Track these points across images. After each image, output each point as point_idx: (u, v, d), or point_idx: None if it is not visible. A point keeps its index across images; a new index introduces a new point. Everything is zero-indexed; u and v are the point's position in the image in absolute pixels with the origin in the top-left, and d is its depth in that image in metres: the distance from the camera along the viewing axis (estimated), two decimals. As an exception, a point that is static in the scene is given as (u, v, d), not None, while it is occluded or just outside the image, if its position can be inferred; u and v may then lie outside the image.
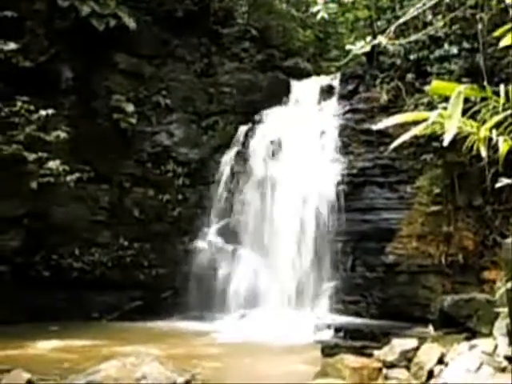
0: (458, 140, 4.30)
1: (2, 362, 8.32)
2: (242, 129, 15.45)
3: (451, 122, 4.12)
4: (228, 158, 15.22)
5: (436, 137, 12.07)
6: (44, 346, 10.53)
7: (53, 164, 12.74)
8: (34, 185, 12.76)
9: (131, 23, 14.68)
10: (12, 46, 13.15)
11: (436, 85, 4.42)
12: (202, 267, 14.27)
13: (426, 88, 12.26)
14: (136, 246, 14.61)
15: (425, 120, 4.54)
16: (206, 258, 14.36)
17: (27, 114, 12.93)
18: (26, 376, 7.16)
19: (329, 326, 12.00)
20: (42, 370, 7.99)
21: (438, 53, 12.92)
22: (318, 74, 17.22)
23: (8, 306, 12.97)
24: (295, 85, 16.11)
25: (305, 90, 15.89)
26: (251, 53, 16.88)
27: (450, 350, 6.82)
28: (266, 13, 18.10)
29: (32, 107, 12.90)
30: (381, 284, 13.18)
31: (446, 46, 12.86)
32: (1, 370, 7.78)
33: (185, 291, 14.20)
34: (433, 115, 4.30)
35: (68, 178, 12.97)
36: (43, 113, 12.88)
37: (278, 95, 15.82)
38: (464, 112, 4.20)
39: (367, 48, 6.69)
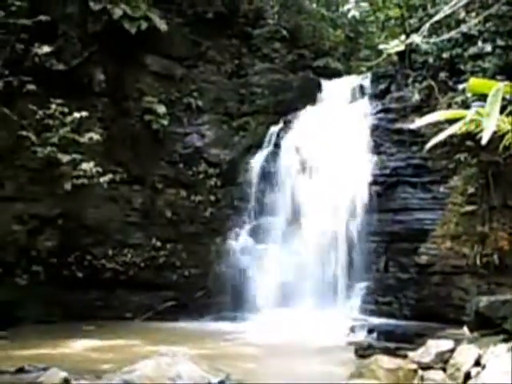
0: (493, 139, 4.24)
1: (38, 361, 8.42)
2: (274, 129, 15.45)
3: (490, 120, 4.06)
4: (259, 159, 15.23)
5: (470, 136, 11.96)
6: (79, 346, 10.64)
7: (86, 166, 12.87)
8: (67, 186, 12.92)
9: (162, 25, 14.77)
10: (46, 49, 13.35)
11: (473, 82, 4.36)
12: (234, 267, 14.30)
13: (460, 86, 12.13)
14: (168, 246, 14.70)
15: (461, 118, 4.48)
16: (237, 259, 14.39)
17: (61, 116, 13.09)
18: (63, 374, 7.23)
19: (362, 327, 11.92)
20: (78, 368, 8.08)
21: (471, 50, 12.76)
22: (349, 74, 17.16)
23: (43, 305, 13.19)
24: (326, 85, 16.07)
25: (336, 89, 15.83)
26: (282, 53, 16.88)
27: (487, 351, 6.72)
28: (296, 13, 18.09)
29: (66, 109, 13.07)
30: (414, 285, 13.05)
31: (479, 43, 12.69)
32: (37, 368, 7.90)
33: (217, 291, 14.26)
34: (470, 113, 4.25)
35: (101, 180, 13.09)
36: (77, 115, 13.03)
37: (309, 95, 15.79)
38: (499, 110, 4.14)
39: (401, 47, 6.65)
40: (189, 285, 14.58)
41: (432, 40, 11.17)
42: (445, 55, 13.46)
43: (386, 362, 6.43)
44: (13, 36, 13.20)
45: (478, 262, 12.09)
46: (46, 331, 11.99)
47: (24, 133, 12.87)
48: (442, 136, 4.60)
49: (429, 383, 6.43)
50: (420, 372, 6.52)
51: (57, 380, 7.14)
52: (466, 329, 10.15)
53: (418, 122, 4.55)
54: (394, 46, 6.70)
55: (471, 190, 12.43)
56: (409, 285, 13.12)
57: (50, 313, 13.25)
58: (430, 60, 13.92)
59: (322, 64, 17.44)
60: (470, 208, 12.35)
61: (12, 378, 7.62)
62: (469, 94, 11.27)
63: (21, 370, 7.93)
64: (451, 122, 4.60)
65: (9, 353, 9.78)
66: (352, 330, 11.84)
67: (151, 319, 13.91)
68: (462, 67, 13.04)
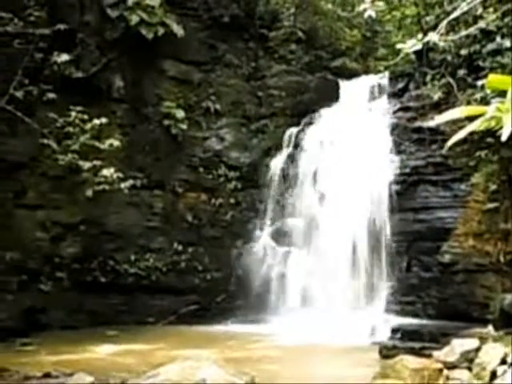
0: (514, 135, 4.19)
1: (64, 366, 8.52)
2: (292, 131, 15.43)
3: (509, 116, 4.03)
4: (279, 161, 15.22)
5: (490, 132, 11.86)
6: (103, 350, 10.72)
7: (107, 172, 12.95)
8: (89, 193, 13.02)
9: (179, 31, 14.84)
10: (65, 57, 13.49)
11: (492, 78, 4.33)
12: (256, 270, 14.30)
13: (479, 83, 12.02)
14: (190, 250, 14.76)
15: (480, 115, 4.45)
16: (259, 261, 14.39)
17: (81, 123, 13.21)
18: (89, 379, 7.29)
19: (385, 328, 11.86)
20: (103, 373, 8.15)
21: (490, 47, 12.63)
22: (367, 74, 17.08)
23: (67, 311, 13.34)
24: (344, 85, 16.01)
25: (354, 89, 15.78)
26: (298, 54, 16.86)
27: (513, 350, 6.66)
28: (311, 14, 18.05)
29: (86, 117, 13.18)
30: (437, 284, 12.95)
31: (498, 39, 12.56)
32: (64, 373, 7.98)
33: (239, 294, 14.28)
34: (491, 109, 4.21)
35: (122, 185, 13.17)
36: (97, 122, 13.13)
37: (327, 96, 15.75)
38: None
39: (419, 46, 6.61)
40: (211, 288, 14.62)
41: (450, 37, 11.06)
42: (463, 52, 13.36)
43: (411, 361, 6.40)
44: (31, 45, 13.35)
45: (502, 259, 11.97)
46: (70, 337, 12.10)
47: (45, 141, 13.02)
48: (462, 133, 4.57)
49: (454, 383, 6.38)
50: (445, 371, 6.48)
51: (83, 384, 7.21)
52: (490, 327, 10.06)
53: (438, 120, 4.54)
54: (412, 45, 6.65)
55: (493, 187, 12.31)
56: (432, 284, 13.03)
57: (74, 318, 13.38)
58: (448, 57, 13.83)
59: (339, 64, 17.39)
60: (492, 205, 12.23)
61: (39, 383, 7.70)
62: (488, 91, 11.16)
63: (47, 376, 8.02)
64: (471, 119, 4.56)
65: (35, 358, 9.88)
66: (376, 330, 11.79)
67: (174, 323, 13.97)
68: (480, 64, 12.92)
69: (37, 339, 11.61)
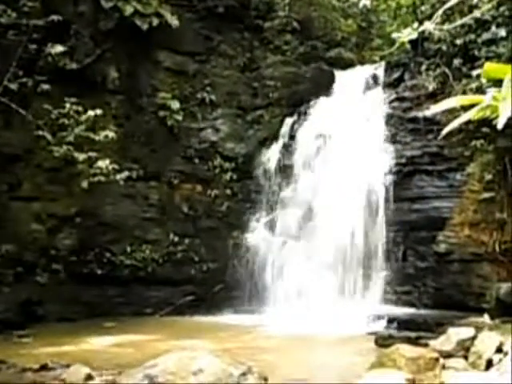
0: (509, 124, 4.20)
1: (61, 358, 8.52)
2: (288, 121, 15.43)
3: (505, 105, 4.03)
4: (275, 151, 15.23)
5: (486, 122, 11.87)
6: (100, 342, 10.72)
7: (102, 163, 12.91)
8: (84, 184, 12.98)
9: (174, 21, 14.76)
10: (59, 48, 13.40)
11: (488, 67, 4.33)
12: (252, 261, 14.33)
13: (474, 73, 12.02)
14: (186, 241, 14.77)
15: (476, 104, 4.45)
16: (255, 252, 14.41)
17: (76, 115, 13.14)
18: (86, 370, 7.30)
19: (381, 317, 11.91)
20: (100, 364, 8.16)
21: (485, 36, 12.64)
22: (362, 64, 17.06)
23: (64, 303, 13.32)
24: (339, 75, 15.99)
25: (349, 80, 15.76)
26: (294, 45, 16.80)
27: (509, 338, 6.69)
28: (306, 4, 17.97)
29: (80, 108, 13.12)
30: (433, 273, 13.01)
31: (493, 28, 12.57)
32: (60, 365, 7.99)
33: (235, 285, 14.31)
34: (487, 98, 4.21)
35: (118, 177, 13.13)
36: (91, 113, 13.07)
37: (323, 86, 15.73)
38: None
39: (414, 35, 6.59)
40: (207, 279, 14.65)
41: (445, 27, 11.06)
42: (458, 42, 13.36)
43: (407, 350, 6.42)
44: (25, 36, 13.25)
45: (498, 248, 12.02)
46: (67, 329, 12.11)
47: (40, 133, 12.95)
48: (457, 122, 4.58)
49: (450, 372, 6.41)
50: (441, 360, 6.51)
51: (80, 376, 7.22)
52: (486, 316, 10.13)
53: (434, 109, 4.53)
54: (407, 34, 6.63)
55: (488, 176, 12.34)
56: (428, 273, 13.09)
57: (71, 310, 13.36)
58: (444, 47, 13.81)
59: (335, 55, 17.35)
60: (487, 195, 12.26)
61: (35, 375, 7.71)
62: (484, 80, 11.17)
63: (44, 367, 8.03)
64: (467, 108, 4.56)
65: (31, 350, 9.89)
66: (372, 320, 11.83)
67: (171, 314, 14.00)
68: (476, 53, 12.92)
69: (33, 331, 11.61)
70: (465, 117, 4.51)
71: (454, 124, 4.62)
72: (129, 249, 14.29)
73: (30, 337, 11.20)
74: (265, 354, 9.23)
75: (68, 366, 7.78)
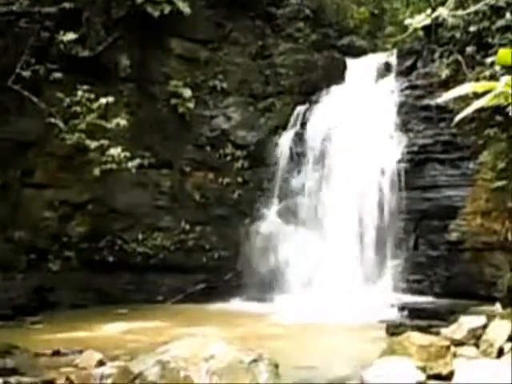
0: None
1: (73, 344, 8.60)
2: (300, 109, 15.37)
3: (519, 92, 3.99)
4: (286, 139, 15.18)
5: (499, 110, 11.79)
6: (112, 329, 10.80)
7: (114, 151, 12.94)
8: (96, 172, 13.02)
9: (185, 8, 14.71)
10: (71, 36, 13.44)
11: (502, 53, 4.28)
12: (263, 249, 14.33)
13: (488, 60, 11.92)
14: (197, 229, 14.80)
15: (490, 91, 4.41)
16: (266, 240, 14.41)
17: (88, 102, 13.17)
18: (98, 356, 7.38)
19: (392, 305, 11.90)
20: (112, 350, 8.23)
21: (499, 23, 12.49)
22: (374, 52, 16.95)
23: (76, 290, 13.45)
24: (351, 63, 15.90)
25: (361, 67, 15.66)
26: (306, 32, 16.71)
27: (520, 326, 6.68)
28: (319, -9, 17.87)
29: (92, 96, 13.14)
30: (444, 262, 12.97)
31: (507, 15, 12.41)
32: (73, 351, 8.07)
33: (246, 273, 14.32)
34: (500, 84, 4.18)
35: (129, 165, 13.16)
36: (103, 101, 13.09)
37: (335, 74, 15.66)
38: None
39: (427, 21, 6.56)
40: (218, 267, 14.69)
41: (459, 13, 10.97)
42: (472, 29, 13.22)
43: (419, 338, 6.42)
44: (38, 24, 13.31)
45: (510, 237, 11.95)
46: (79, 315, 12.22)
47: (52, 120, 13.00)
48: (470, 109, 4.54)
49: (462, 359, 6.40)
50: (452, 348, 6.50)
51: (92, 361, 7.29)
52: (498, 305, 10.09)
53: (446, 96, 4.47)
54: (420, 20, 6.60)
55: (501, 165, 12.25)
56: (439, 262, 13.04)
57: (83, 297, 13.48)
58: (457, 34, 13.67)
59: (347, 42, 17.24)
60: (500, 183, 12.18)
61: (49, 361, 7.81)
62: (497, 68, 11.08)
63: (57, 353, 8.12)
64: (479, 96, 4.52)
65: (44, 336, 9.99)
66: (382, 308, 11.82)
67: (182, 302, 14.07)
68: (489, 40, 12.79)
69: (46, 317, 11.75)
70: (478, 104, 4.48)
71: (467, 111, 4.58)
72: (140, 236, 14.35)
73: (43, 323, 11.32)
74: (275, 341, 9.26)
75: (80, 351, 7.87)
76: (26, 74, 12.84)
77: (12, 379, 6.53)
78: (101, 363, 7.32)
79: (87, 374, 6.97)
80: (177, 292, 14.26)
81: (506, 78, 4.33)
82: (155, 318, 11.71)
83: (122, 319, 11.62)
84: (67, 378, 6.61)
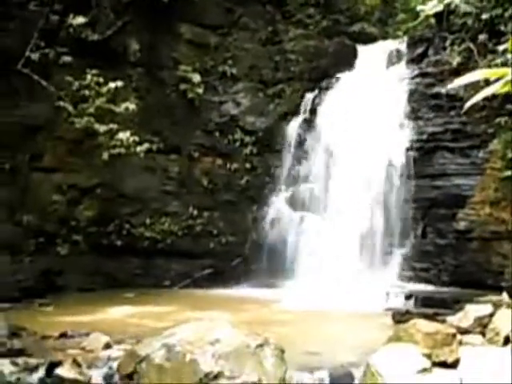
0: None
1: (80, 327, 8.65)
2: (309, 96, 15.32)
3: (530, 79, 3.95)
4: (295, 126, 15.15)
5: (510, 99, 11.71)
6: (119, 312, 10.84)
7: (123, 135, 12.91)
8: (105, 156, 13.01)
9: (195, -7, 14.66)
10: (80, 20, 13.36)
11: (515, 40, 4.24)
12: (271, 235, 14.36)
13: (500, 48, 11.83)
14: (205, 214, 14.81)
15: (501, 78, 4.36)
16: (274, 226, 14.44)
17: (97, 86, 13.12)
18: (105, 339, 7.41)
19: (399, 294, 11.90)
20: (119, 333, 8.26)
21: (512, 10, 12.41)
22: (385, 39, 16.85)
23: (84, 274, 13.49)
24: (362, 50, 15.83)
25: (372, 54, 15.59)
26: (316, 19, 16.63)
27: (527, 316, 6.66)
28: (330, -23, 17.74)
29: (101, 80, 13.09)
30: (452, 251, 12.95)
31: (520, 3, 12.32)
32: (80, 333, 8.11)
33: (254, 259, 14.36)
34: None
35: (138, 149, 13.13)
36: (112, 85, 13.04)
37: (345, 61, 15.60)
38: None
39: (439, 8, 6.49)
40: (226, 252, 14.71)
41: (471, 0, 10.86)
42: (484, 16, 13.10)
43: (425, 325, 6.42)
44: (47, 7, 13.25)
45: (518, 227, 11.91)
46: (87, 299, 12.26)
47: (61, 104, 12.98)
48: (480, 96, 4.49)
49: (468, 347, 6.40)
50: (458, 336, 6.50)
51: (99, 344, 7.33)
52: (505, 295, 10.06)
53: (457, 82, 4.42)
54: (432, 6, 6.53)
55: (511, 154, 12.18)
56: (447, 251, 13.03)
57: (91, 281, 13.53)
58: (469, 22, 13.56)
59: (358, 29, 17.16)
60: (509, 173, 12.10)
61: (56, 343, 7.85)
62: (509, 56, 10.99)
63: (64, 335, 8.16)
64: (490, 84, 4.48)
65: (52, 319, 10.05)
66: (389, 296, 11.82)
67: (189, 287, 14.10)
68: (502, 28, 12.69)
69: (54, 301, 11.78)
70: (488, 90, 4.43)
71: (477, 97, 4.53)
72: (148, 221, 14.37)
73: (51, 306, 11.37)
74: (282, 327, 9.28)
75: (87, 334, 7.90)
76: (35, 57, 12.79)
77: (19, 360, 6.57)
78: (107, 346, 7.35)
79: (94, 356, 7.01)
80: (184, 277, 14.30)
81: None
82: (162, 303, 11.76)
83: (129, 303, 11.67)
84: (74, 360, 6.65)
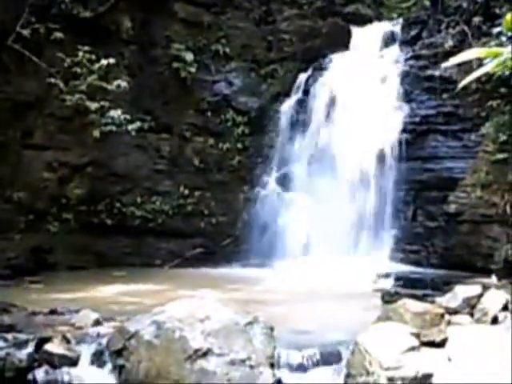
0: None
1: (70, 304, 8.64)
2: (302, 76, 15.25)
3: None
4: (287, 106, 15.10)
5: (504, 82, 11.70)
6: (110, 290, 10.85)
7: (114, 113, 12.87)
8: (96, 133, 12.97)
9: (189, -29, 14.52)
10: (72, -5, 13.26)
11: (510, 18, 4.22)
12: (262, 215, 14.37)
13: (495, 31, 11.80)
14: (196, 194, 14.79)
15: (495, 57, 4.35)
16: (265, 207, 14.44)
17: (89, 63, 13.04)
18: (94, 316, 7.40)
19: (388, 275, 11.94)
20: (109, 311, 8.27)
21: (507, -7, 12.36)
22: (380, 20, 16.76)
23: (75, 252, 13.48)
24: (356, 31, 15.74)
25: (366, 36, 15.52)
26: (310, -1, 16.53)
27: (515, 296, 6.71)
28: (325, -44, 17.58)
29: (93, 57, 13.01)
30: (442, 233, 12.98)
31: (516, -15, 12.28)
32: (70, 310, 8.11)
33: (244, 239, 14.36)
34: (506, 51, 4.12)
35: (129, 127, 13.10)
36: (104, 62, 12.96)
37: (339, 42, 15.51)
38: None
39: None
40: (217, 232, 14.72)
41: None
42: (479, -1, 13.09)
43: (413, 305, 6.45)
44: (39, -18, 13.12)
45: (508, 210, 11.94)
46: (77, 277, 12.27)
47: (53, 80, 12.89)
48: (473, 76, 4.50)
49: (456, 327, 6.45)
50: (447, 316, 6.54)
51: (89, 321, 7.32)
52: (494, 277, 10.15)
53: (450, 62, 4.42)
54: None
55: (503, 137, 12.18)
56: (437, 233, 13.06)
57: (82, 259, 13.53)
58: (464, 4, 13.55)
59: (352, 10, 17.03)
60: (501, 156, 12.13)
61: (45, 319, 7.83)
62: (504, 38, 10.96)
63: (54, 312, 8.14)
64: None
65: (42, 296, 10.04)
66: (379, 277, 11.87)
67: (180, 266, 14.09)
68: (497, 11, 12.66)
69: (44, 278, 11.77)
70: (481, 70, 4.44)
71: (471, 77, 4.54)
72: (139, 200, 14.34)
73: (41, 283, 11.37)
74: (271, 306, 9.30)
75: (77, 311, 7.88)
76: (26, 32, 12.67)
77: (9, 335, 6.56)
78: (97, 323, 7.34)
79: (83, 332, 7.01)
80: (175, 256, 14.31)
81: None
82: (152, 281, 11.76)
83: (119, 281, 11.68)
84: (63, 337, 6.64)
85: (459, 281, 9.84)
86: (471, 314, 6.88)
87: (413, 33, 15.11)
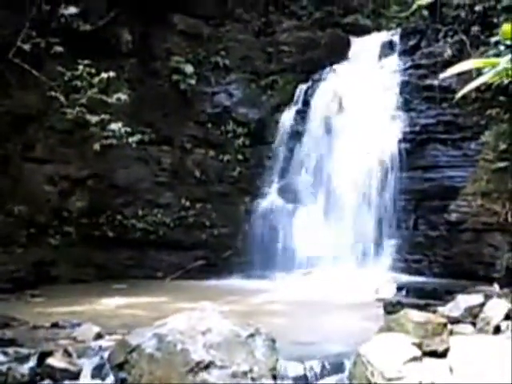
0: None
1: (72, 317, 8.61)
2: (302, 87, 15.32)
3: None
4: (288, 117, 15.15)
5: (503, 90, 11.73)
6: (111, 303, 10.81)
7: (115, 126, 12.88)
8: (97, 146, 12.98)
9: (188, -17, 14.60)
10: (72, 10, 13.28)
11: (507, 28, 4.25)
12: (263, 227, 14.36)
13: (492, 40, 11.84)
14: (197, 206, 14.80)
15: (492, 67, 4.37)
16: (266, 218, 14.44)
17: (89, 77, 13.07)
18: (96, 329, 7.38)
19: (391, 285, 11.91)
20: (110, 324, 8.25)
21: (505, 2, 12.41)
22: (378, 31, 16.85)
23: (76, 265, 13.46)
24: (355, 42, 15.85)
25: (365, 46, 15.61)
26: (309, 10, 16.63)
27: (517, 306, 6.69)
28: (324, -32, 17.68)
29: (93, 70, 13.04)
30: (444, 242, 12.97)
31: (513, -5, 12.34)
32: (71, 323, 8.09)
33: (246, 250, 14.34)
34: (503, 60, 4.15)
35: (130, 140, 13.11)
36: (104, 75, 12.99)
37: (338, 53, 15.61)
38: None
39: (432, -1, 6.49)
40: (218, 244, 14.70)
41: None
42: (477, 8, 13.14)
43: (415, 315, 6.42)
44: (39, -3, 13.18)
45: (510, 219, 11.94)
46: (79, 290, 12.24)
47: (53, 94, 12.91)
48: (472, 85, 4.52)
49: (458, 336, 6.42)
50: (449, 326, 6.51)
51: (90, 334, 7.30)
52: (496, 285, 10.12)
53: (448, 72, 4.45)
54: (425, -4, 6.54)
55: (503, 146, 12.20)
56: (438, 242, 13.05)
57: (83, 272, 13.51)
58: (462, 14, 13.61)
59: (351, 21, 17.14)
60: (501, 164, 12.14)
61: (47, 333, 7.81)
62: (502, 48, 11.00)
63: (55, 325, 8.13)
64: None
65: (44, 309, 10.01)
66: (381, 287, 11.84)
67: (181, 278, 14.07)
68: (494, 20, 12.71)
69: (46, 291, 11.75)
70: (479, 80, 4.46)
71: (469, 87, 4.56)
72: (140, 212, 14.35)
73: (43, 297, 11.34)
74: (273, 317, 9.28)
75: (79, 324, 7.87)
76: (27, 47, 12.71)
77: (10, 350, 6.54)
78: (99, 336, 7.32)
79: (85, 346, 6.99)
80: (176, 268, 14.28)
81: (509, 55, 4.30)
82: (154, 294, 11.74)
83: (121, 294, 11.65)
84: (65, 350, 6.62)
85: (461, 290, 9.84)
86: (473, 324, 6.86)
87: (411, 42, 15.19)
